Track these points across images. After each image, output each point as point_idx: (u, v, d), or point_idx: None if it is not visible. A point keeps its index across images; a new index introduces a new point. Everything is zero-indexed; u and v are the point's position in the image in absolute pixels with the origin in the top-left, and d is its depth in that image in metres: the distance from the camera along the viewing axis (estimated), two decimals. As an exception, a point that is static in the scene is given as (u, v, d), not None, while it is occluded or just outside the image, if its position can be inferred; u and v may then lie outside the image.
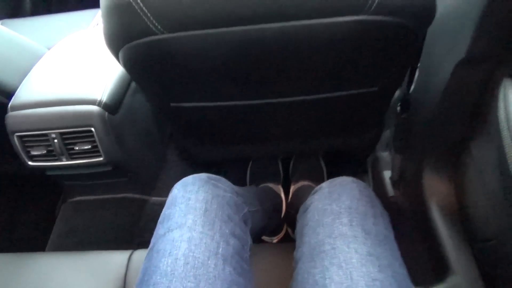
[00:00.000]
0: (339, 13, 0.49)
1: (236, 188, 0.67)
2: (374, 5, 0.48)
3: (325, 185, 0.64)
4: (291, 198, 1.08)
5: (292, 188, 1.10)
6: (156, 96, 0.75)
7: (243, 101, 0.72)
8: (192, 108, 0.76)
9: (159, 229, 0.56)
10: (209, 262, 0.50)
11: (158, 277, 0.49)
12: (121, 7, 0.49)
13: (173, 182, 0.64)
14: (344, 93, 0.71)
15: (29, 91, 0.89)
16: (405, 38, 0.56)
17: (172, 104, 0.75)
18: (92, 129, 0.86)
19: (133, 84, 0.97)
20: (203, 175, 0.63)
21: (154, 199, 1.11)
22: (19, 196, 1.30)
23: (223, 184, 0.64)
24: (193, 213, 0.55)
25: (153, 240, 0.56)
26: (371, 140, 1.03)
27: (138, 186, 1.10)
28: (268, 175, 1.18)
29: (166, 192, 0.63)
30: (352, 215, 0.55)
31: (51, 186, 1.16)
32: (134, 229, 1.10)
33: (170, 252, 0.51)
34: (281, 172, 1.21)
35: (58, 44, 1.03)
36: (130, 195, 1.11)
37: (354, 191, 0.59)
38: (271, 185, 1.12)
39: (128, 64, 0.61)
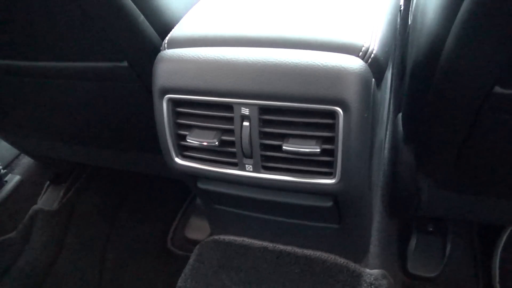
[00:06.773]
0: None
1: None
2: None
3: None
4: None
5: None
6: None
7: None
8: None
9: None
10: None
11: None
12: None
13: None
14: None
15: (203, 21, 0.44)
16: None
17: None
18: (340, 110, 0.37)
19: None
20: None
21: (369, 275, 0.55)
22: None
23: None
24: None
25: None
26: None
27: (352, 243, 0.55)
28: None
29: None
30: None
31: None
32: None
33: None
34: None
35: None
36: (332, 257, 0.57)
37: None
38: None
39: None
